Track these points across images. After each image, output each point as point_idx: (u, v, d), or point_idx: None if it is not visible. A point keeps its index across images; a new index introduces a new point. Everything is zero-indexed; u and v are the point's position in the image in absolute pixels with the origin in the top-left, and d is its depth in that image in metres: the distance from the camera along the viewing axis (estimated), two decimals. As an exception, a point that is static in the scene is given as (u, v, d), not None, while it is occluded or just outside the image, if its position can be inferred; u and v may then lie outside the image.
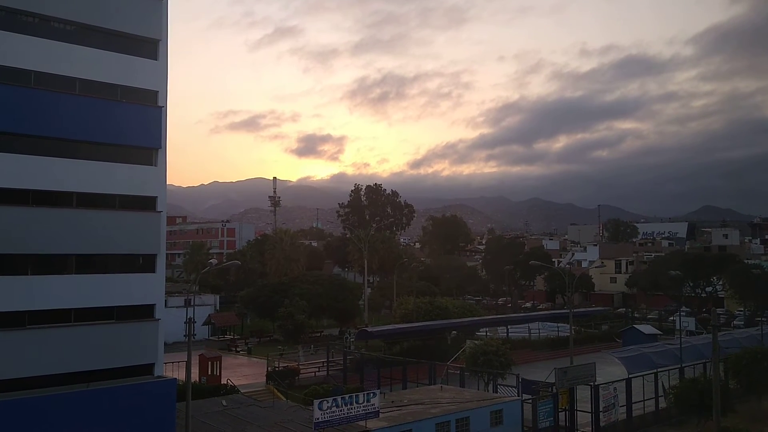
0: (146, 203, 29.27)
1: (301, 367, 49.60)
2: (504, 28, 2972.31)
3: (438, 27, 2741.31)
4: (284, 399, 39.14)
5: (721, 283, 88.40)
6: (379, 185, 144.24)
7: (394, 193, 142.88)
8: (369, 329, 55.04)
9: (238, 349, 63.90)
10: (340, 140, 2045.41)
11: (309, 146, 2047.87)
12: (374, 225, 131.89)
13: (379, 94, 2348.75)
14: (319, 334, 69.67)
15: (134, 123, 28.83)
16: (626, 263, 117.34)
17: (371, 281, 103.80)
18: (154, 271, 29.14)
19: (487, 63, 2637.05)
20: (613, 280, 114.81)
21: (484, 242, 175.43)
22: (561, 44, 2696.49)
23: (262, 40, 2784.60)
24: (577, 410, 36.67)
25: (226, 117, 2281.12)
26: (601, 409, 36.40)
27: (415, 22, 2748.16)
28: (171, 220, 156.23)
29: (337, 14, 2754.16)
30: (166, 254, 30.48)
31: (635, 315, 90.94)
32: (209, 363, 45.55)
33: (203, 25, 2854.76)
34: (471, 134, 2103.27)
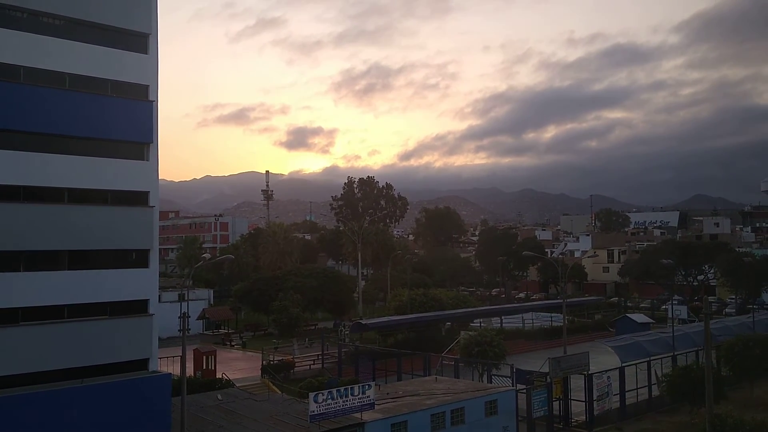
0: (139, 198, 29.10)
1: (295, 360, 49.67)
2: (490, 17, 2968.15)
3: (423, 17, 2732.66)
4: (279, 392, 39.21)
5: (712, 271, 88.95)
6: (372, 178, 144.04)
7: (388, 186, 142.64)
8: (363, 321, 55.11)
9: (232, 343, 63.94)
10: (330, 133, 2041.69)
11: (299, 139, 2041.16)
12: (367, 218, 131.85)
13: (365, 85, 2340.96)
14: (313, 327, 69.71)
15: (125, 118, 28.62)
16: (618, 253, 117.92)
17: (365, 274, 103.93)
18: (147, 266, 29.00)
19: (473, 53, 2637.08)
20: (606, 269, 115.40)
21: (477, 233, 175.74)
22: (548, 33, 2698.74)
23: (243, 32, 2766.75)
24: (571, 399, 36.99)
25: (214, 110, 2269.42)
26: (594, 397, 36.67)
27: (400, 12, 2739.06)
28: (164, 214, 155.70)
29: (320, 5, 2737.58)
30: (159, 249, 30.41)
31: (628, 304, 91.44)
32: (204, 357, 45.60)
33: (182, 17, 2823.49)
34: (460, 125, 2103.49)
